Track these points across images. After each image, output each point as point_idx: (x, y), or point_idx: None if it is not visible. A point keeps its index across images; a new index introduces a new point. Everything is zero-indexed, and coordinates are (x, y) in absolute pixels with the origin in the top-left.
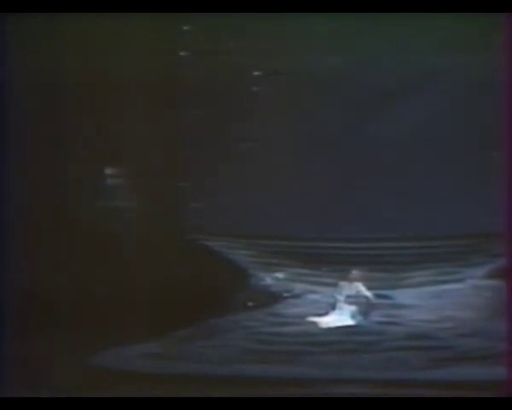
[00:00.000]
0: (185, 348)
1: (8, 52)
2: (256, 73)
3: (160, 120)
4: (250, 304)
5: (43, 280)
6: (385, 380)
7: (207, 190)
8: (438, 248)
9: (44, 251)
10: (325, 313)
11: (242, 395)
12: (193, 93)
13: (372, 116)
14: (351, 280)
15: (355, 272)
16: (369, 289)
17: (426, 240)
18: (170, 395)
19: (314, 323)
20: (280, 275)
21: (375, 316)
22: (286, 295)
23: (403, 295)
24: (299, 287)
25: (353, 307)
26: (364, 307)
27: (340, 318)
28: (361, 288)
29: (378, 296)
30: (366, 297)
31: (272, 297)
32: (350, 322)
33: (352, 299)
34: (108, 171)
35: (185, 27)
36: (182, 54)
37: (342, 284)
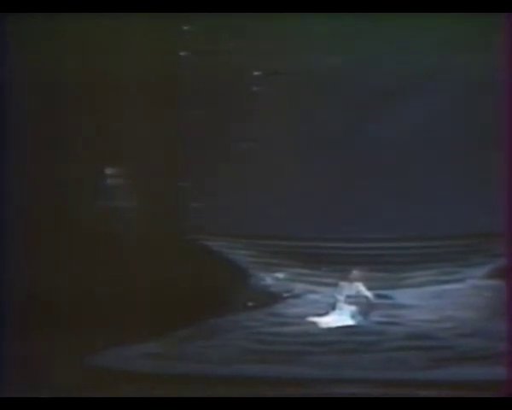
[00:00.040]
0: (185, 348)
1: (8, 52)
2: (256, 73)
3: (160, 120)
4: (250, 304)
5: (43, 280)
6: (385, 380)
7: (207, 190)
8: (438, 249)
9: (44, 251)
10: (325, 313)
11: (242, 395)
12: (193, 93)
13: (372, 116)
14: (351, 280)
15: (355, 272)
16: (369, 289)
17: (426, 240)
18: (170, 395)
19: (314, 323)
20: (280, 275)
21: (375, 316)
22: (286, 295)
23: (403, 295)
24: (299, 287)
25: (353, 307)
26: (364, 307)
27: (340, 318)
28: (361, 288)
29: (378, 296)
30: (366, 297)
31: (272, 297)
32: (350, 322)
33: (352, 299)
34: (108, 171)
35: (185, 27)
36: (182, 54)
37: (342, 284)
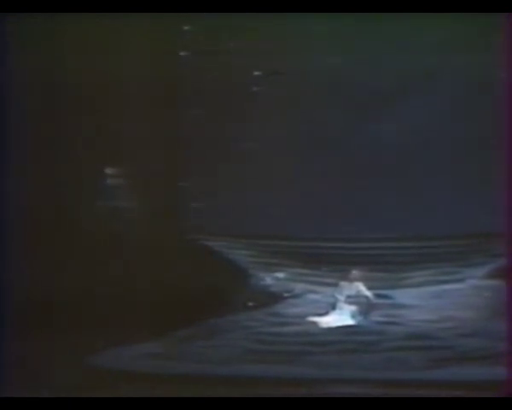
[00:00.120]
0: (185, 348)
1: (8, 52)
2: (256, 73)
3: (160, 120)
4: (250, 304)
5: (43, 280)
6: (385, 380)
7: (207, 190)
8: (438, 248)
9: (44, 251)
10: (325, 313)
11: (242, 395)
12: (193, 93)
13: (372, 116)
14: (351, 280)
15: (355, 272)
16: (369, 289)
17: (426, 240)
18: (170, 395)
19: (314, 323)
20: (280, 275)
21: (375, 316)
22: (286, 295)
23: (403, 295)
24: (299, 287)
25: (353, 307)
26: (364, 307)
27: (340, 318)
28: (361, 288)
29: (378, 296)
30: (366, 297)
31: (272, 297)
32: (350, 322)
33: (352, 299)
34: (108, 171)
35: (185, 27)
36: (182, 54)
37: (342, 284)
